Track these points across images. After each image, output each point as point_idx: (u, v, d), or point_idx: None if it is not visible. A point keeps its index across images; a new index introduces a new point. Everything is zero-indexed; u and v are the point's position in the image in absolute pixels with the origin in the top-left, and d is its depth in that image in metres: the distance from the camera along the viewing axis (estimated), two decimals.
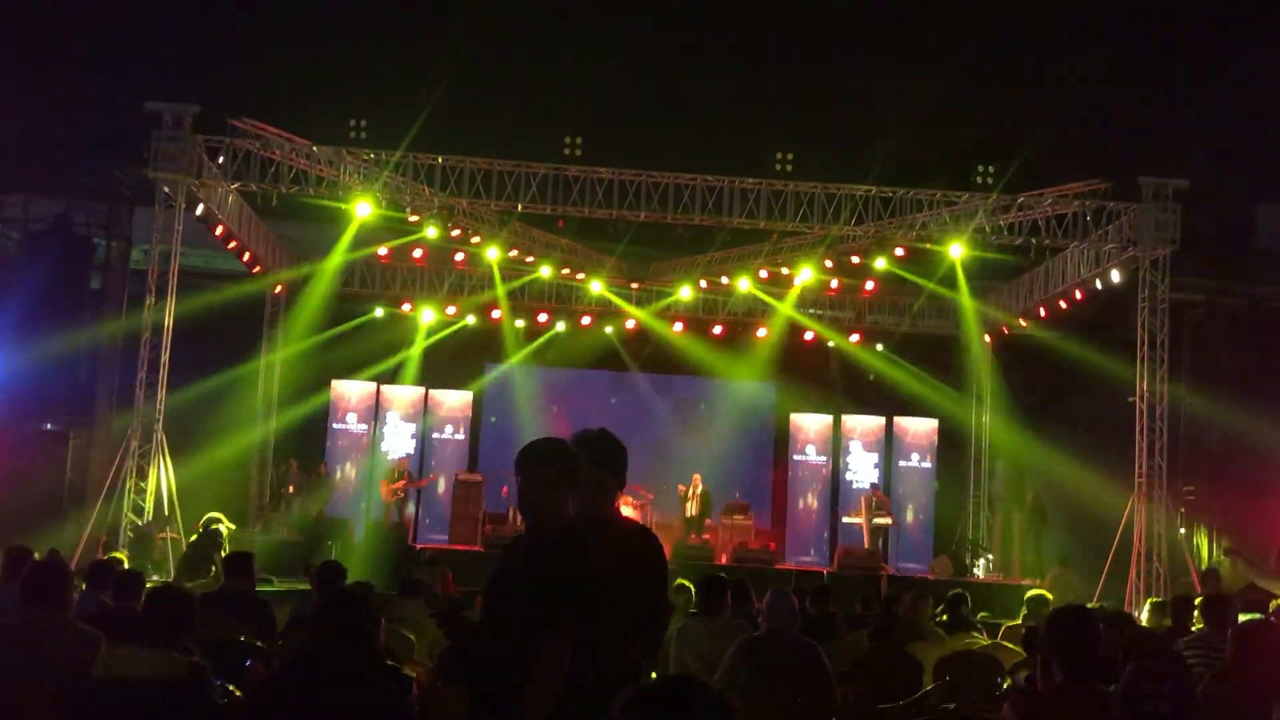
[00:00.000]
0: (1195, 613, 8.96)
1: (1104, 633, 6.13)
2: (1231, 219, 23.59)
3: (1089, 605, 13.65)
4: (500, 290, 22.95)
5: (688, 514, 21.28)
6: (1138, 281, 18.77)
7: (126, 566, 10.46)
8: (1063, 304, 20.82)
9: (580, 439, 4.90)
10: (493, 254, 21.19)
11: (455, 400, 23.61)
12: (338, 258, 21.67)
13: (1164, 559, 18.11)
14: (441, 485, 22.80)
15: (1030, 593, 10.74)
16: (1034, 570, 20.60)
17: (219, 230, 19.64)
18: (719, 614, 7.96)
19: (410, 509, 22.14)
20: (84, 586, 8.73)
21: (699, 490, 21.49)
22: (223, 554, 14.92)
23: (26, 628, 5.75)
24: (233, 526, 17.63)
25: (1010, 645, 8.82)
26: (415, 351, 24.01)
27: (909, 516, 23.06)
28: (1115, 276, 19.08)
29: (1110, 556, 18.35)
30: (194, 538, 16.81)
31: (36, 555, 8.95)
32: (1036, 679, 5.60)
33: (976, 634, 9.85)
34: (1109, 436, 19.90)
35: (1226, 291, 22.48)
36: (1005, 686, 7.48)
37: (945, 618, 10.16)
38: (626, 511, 21.65)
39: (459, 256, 22.37)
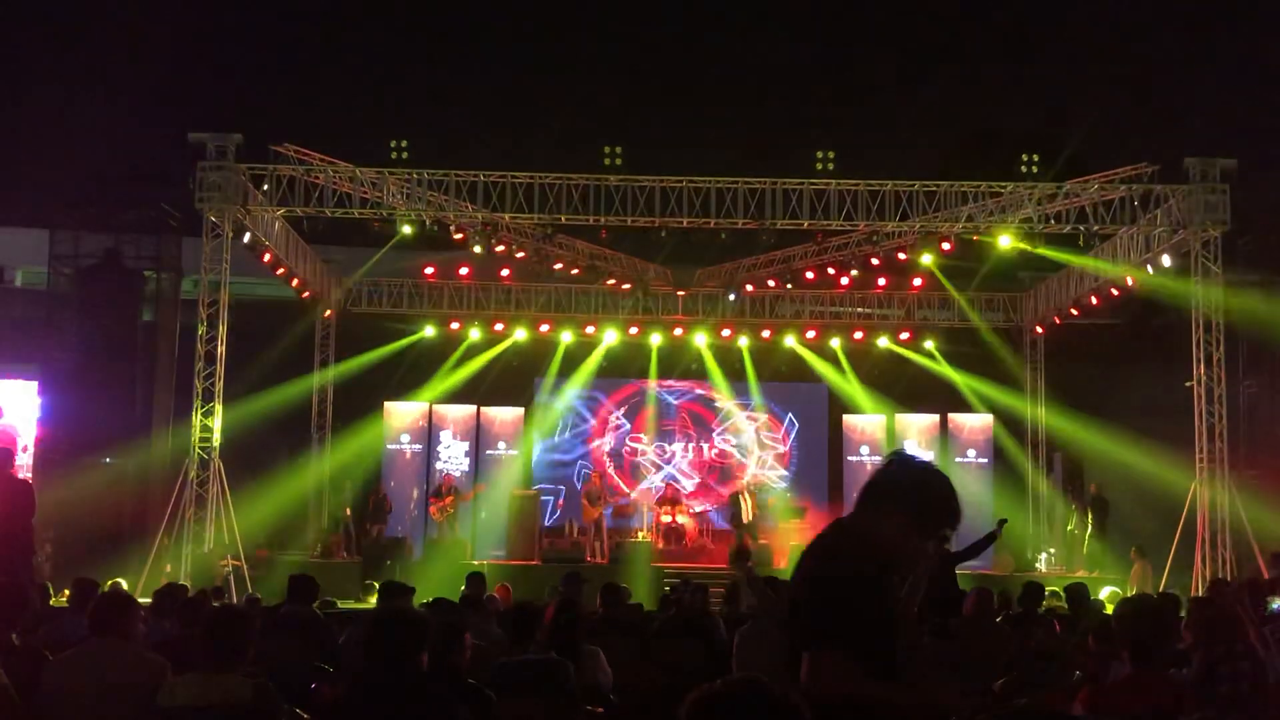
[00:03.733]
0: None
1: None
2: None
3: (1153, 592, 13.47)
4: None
5: (745, 519, 21.18)
6: (1190, 265, 18.49)
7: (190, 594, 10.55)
8: (1114, 291, 20.54)
9: None
10: (536, 267, 21.26)
11: (507, 416, 23.57)
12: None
13: (1228, 543, 17.81)
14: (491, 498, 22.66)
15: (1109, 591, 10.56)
16: (1097, 563, 20.30)
17: (266, 257, 19.80)
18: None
19: (460, 525, 21.84)
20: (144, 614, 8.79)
21: (757, 496, 21.49)
22: None
23: (94, 657, 5.78)
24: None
25: (1081, 639, 8.67)
26: (466, 369, 24.04)
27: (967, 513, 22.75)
28: (1167, 261, 18.79)
29: (1175, 543, 18.08)
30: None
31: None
32: (1091, 668, 5.49)
33: (1046, 628, 9.71)
34: (1169, 423, 19.57)
35: None
36: (1076, 679, 7.36)
37: (1017, 611, 10.03)
38: (681, 520, 21.64)
39: (505, 272, 22.40)
